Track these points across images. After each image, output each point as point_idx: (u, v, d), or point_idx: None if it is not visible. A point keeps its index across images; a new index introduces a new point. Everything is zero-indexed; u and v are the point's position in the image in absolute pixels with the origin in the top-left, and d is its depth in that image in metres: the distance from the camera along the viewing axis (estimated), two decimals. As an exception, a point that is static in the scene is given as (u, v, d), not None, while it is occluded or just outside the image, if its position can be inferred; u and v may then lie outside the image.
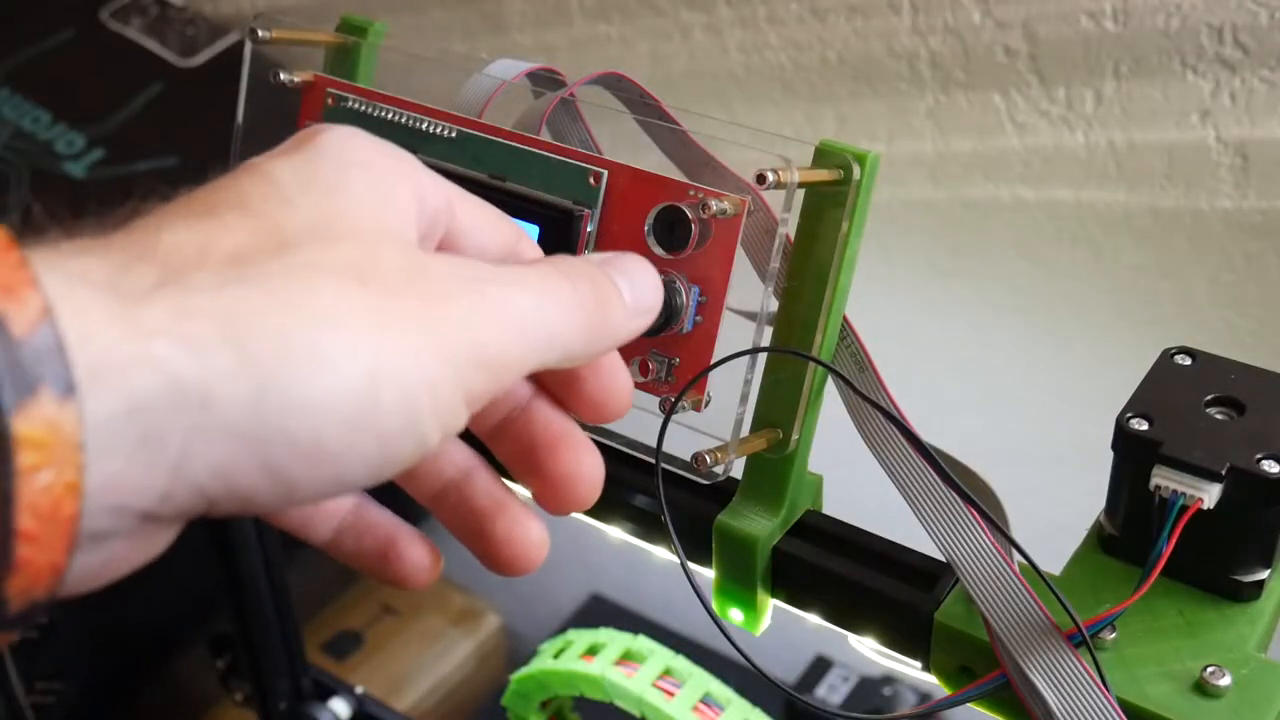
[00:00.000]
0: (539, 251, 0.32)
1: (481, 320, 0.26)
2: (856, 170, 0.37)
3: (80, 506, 0.21)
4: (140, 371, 0.22)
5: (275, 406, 0.23)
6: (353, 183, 0.27)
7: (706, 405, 0.38)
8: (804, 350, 0.39)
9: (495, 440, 0.32)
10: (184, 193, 0.26)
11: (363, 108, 0.43)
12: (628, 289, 0.30)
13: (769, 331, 0.38)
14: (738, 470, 0.40)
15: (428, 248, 0.29)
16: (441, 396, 0.25)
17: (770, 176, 0.35)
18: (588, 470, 0.31)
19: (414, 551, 0.32)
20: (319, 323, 0.24)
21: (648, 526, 0.45)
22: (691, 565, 0.39)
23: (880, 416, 0.38)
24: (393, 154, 0.28)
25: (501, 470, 0.32)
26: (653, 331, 0.36)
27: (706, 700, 0.53)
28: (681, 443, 0.37)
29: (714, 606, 0.42)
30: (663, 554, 0.46)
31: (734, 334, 0.37)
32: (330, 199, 0.26)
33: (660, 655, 0.54)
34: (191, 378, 0.22)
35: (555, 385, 0.32)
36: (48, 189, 0.91)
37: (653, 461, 0.38)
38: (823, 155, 0.37)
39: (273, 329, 0.23)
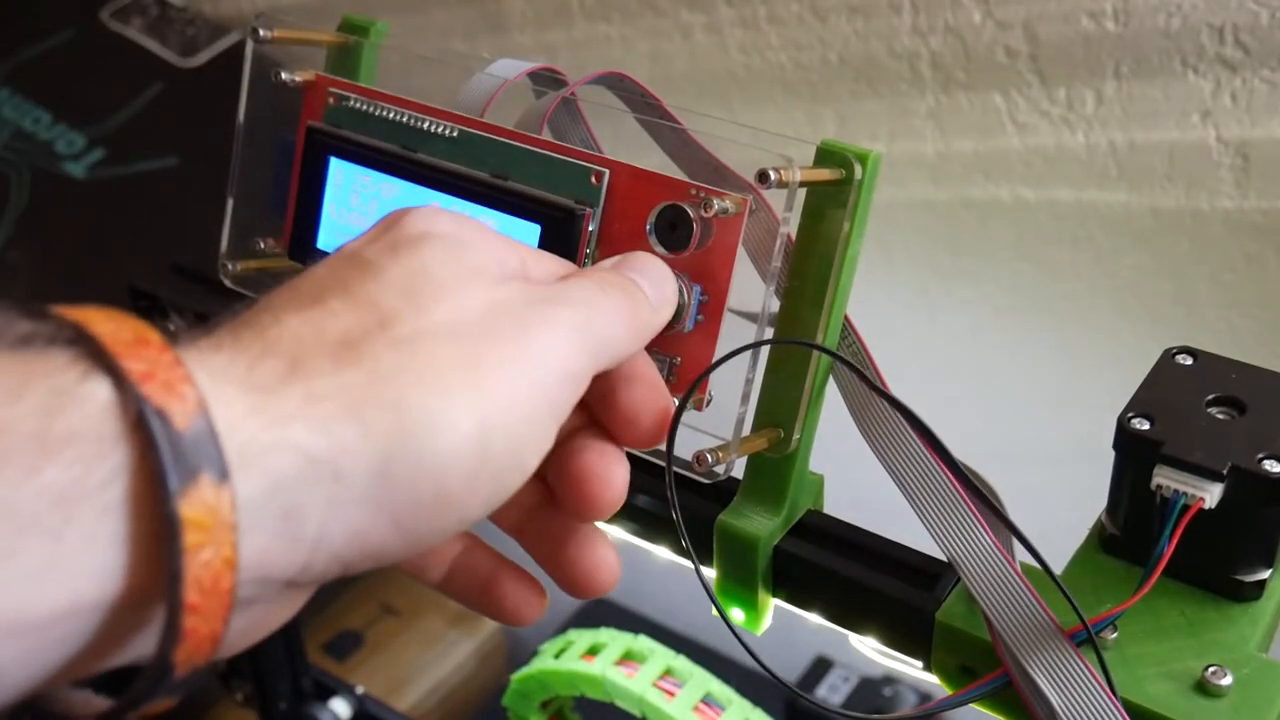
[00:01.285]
0: None
1: (559, 342, 0.29)
2: (858, 170, 0.37)
3: (236, 579, 0.24)
4: (279, 454, 0.24)
5: (400, 471, 0.26)
6: (432, 242, 0.29)
7: (708, 404, 0.38)
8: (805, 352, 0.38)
9: (547, 467, 0.33)
10: (287, 281, 0.29)
11: (364, 107, 0.43)
12: (647, 285, 0.33)
13: (770, 331, 0.38)
14: (739, 470, 0.40)
15: None
16: (538, 424, 0.28)
17: (772, 175, 0.35)
18: (618, 477, 0.33)
19: (516, 588, 0.34)
20: (428, 389, 0.26)
21: (649, 526, 0.45)
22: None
23: (883, 413, 0.38)
24: (468, 222, 0.31)
25: None
26: (654, 331, 0.36)
27: (707, 700, 0.53)
28: (683, 442, 0.37)
29: (719, 602, 0.42)
30: (663, 554, 0.46)
31: (736, 335, 0.37)
32: (413, 259, 0.29)
33: (661, 655, 0.54)
34: (323, 455, 0.25)
35: (594, 403, 0.34)
36: (48, 189, 0.91)
37: (654, 461, 0.38)
38: (824, 155, 0.37)
39: (388, 401, 0.26)
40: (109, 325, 0.24)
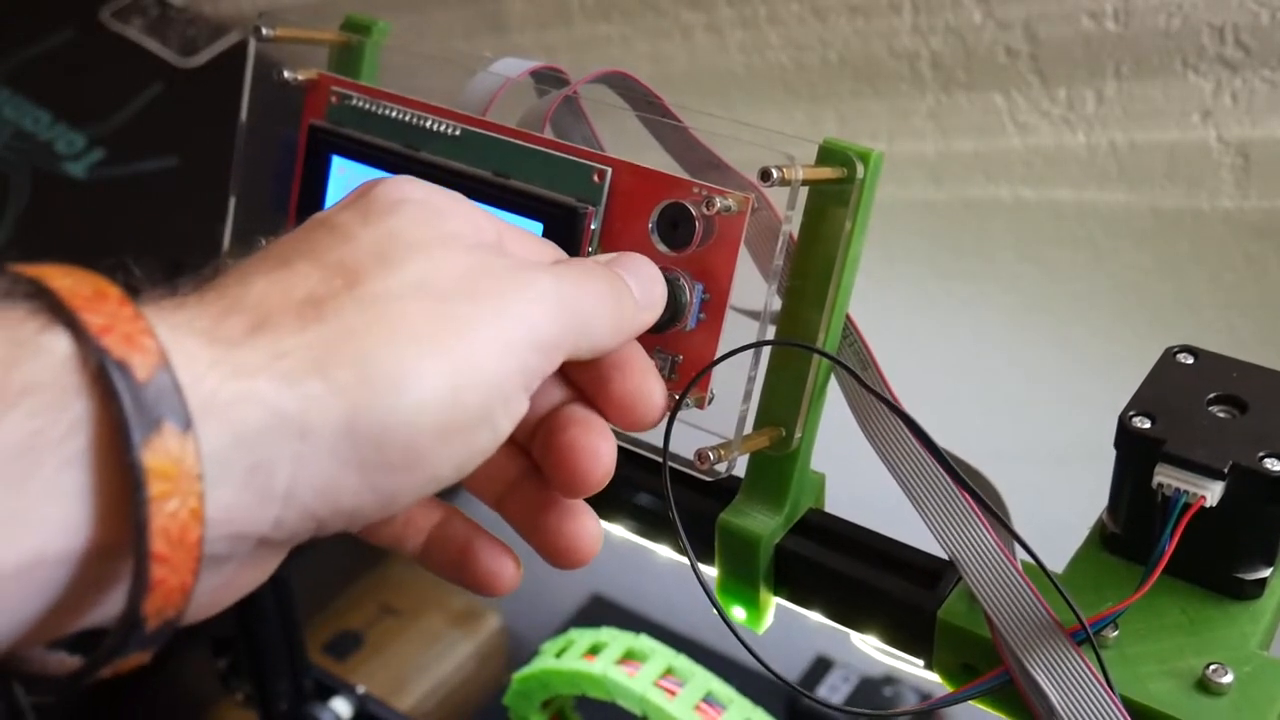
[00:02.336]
0: None
1: (535, 307, 0.29)
2: (860, 169, 0.37)
3: (203, 531, 0.23)
4: (245, 406, 0.24)
5: (368, 426, 0.25)
6: (407, 207, 0.29)
7: (710, 403, 0.38)
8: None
9: (531, 441, 0.34)
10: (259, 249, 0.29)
11: (367, 106, 0.43)
12: (635, 285, 0.33)
13: (772, 330, 0.38)
14: (740, 468, 0.40)
15: None
16: (509, 387, 0.28)
17: (775, 174, 0.35)
18: (605, 451, 0.33)
19: (490, 557, 0.34)
20: (396, 345, 0.26)
21: (649, 525, 0.45)
22: (696, 563, 0.39)
23: (884, 413, 0.38)
24: (444, 191, 0.31)
25: None
26: (657, 329, 0.36)
27: (708, 699, 0.54)
28: (684, 440, 0.38)
29: (719, 602, 0.42)
30: (664, 553, 0.46)
31: (737, 333, 0.37)
32: (387, 223, 0.28)
33: (662, 655, 0.55)
34: (290, 409, 0.25)
35: (587, 388, 0.33)
36: (48, 189, 0.91)
37: (655, 459, 0.38)
38: (826, 153, 0.37)
39: (354, 357, 0.25)
40: (67, 280, 0.24)
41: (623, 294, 0.32)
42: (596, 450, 0.32)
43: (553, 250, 0.34)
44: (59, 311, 0.23)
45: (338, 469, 0.25)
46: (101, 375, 0.23)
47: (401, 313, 0.27)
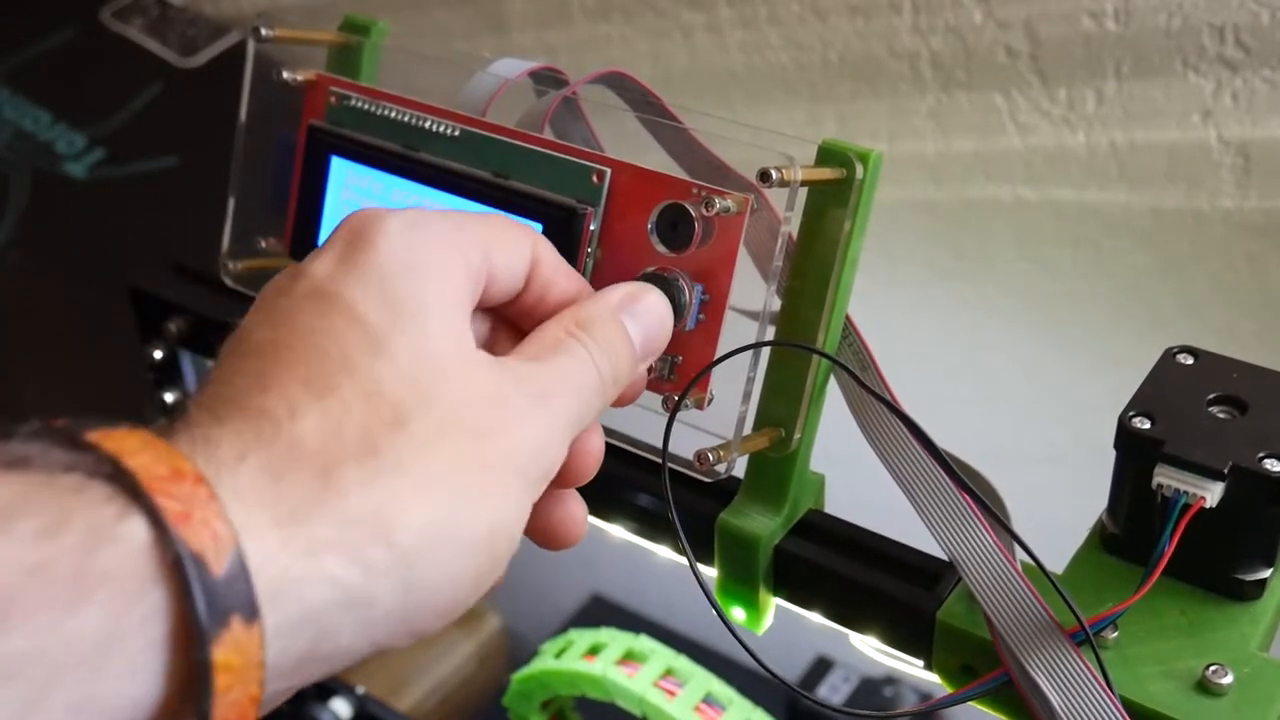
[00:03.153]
0: (551, 254, 0.34)
1: (546, 433, 0.30)
2: (859, 169, 0.37)
3: (258, 710, 0.25)
4: (313, 586, 0.25)
5: (424, 587, 0.27)
6: (426, 299, 0.30)
7: (709, 404, 0.38)
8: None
9: None
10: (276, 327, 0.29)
11: (366, 106, 0.43)
12: (639, 336, 0.34)
13: (771, 330, 0.38)
14: (740, 469, 0.40)
15: (478, 316, 0.32)
16: (526, 510, 0.30)
17: (774, 174, 0.35)
18: (595, 448, 0.34)
19: (561, 505, 0.35)
20: (449, 502, 0.27)
21: (649, 526, 0.45)
22: (695, 564, 0.39)
23: (884, 414, 0.38)
24: (437, 239, 0.31)
25: None
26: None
27: (708, 700, 0.53)
28: (684, 441, 0.37)
29: (718, 603, 0.42)
30: (664, 554, 0.46)
31: (737, 333, 0.37)
32: (413, 331, 0.29)
33: (662, 655, 0.54)
34: (356, 584, 0.26)
35: None
36: (48, 189, 0.91)
37: (655, 460, 0.38)
38: (826, 154, 0.37)
39: (416, 522, 0.27)
40: (143, 459, 0.24)
41: (620, 363, 0.33)
42: (587, 448, 0.33)
43: (530, 239, 0.33)
44: (137, 496, 0.24)
45: (391, 626, 0.27)
46: (177, 568, 0.23)
47: (450, 459, 0.28)
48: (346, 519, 0.26)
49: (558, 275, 0.34)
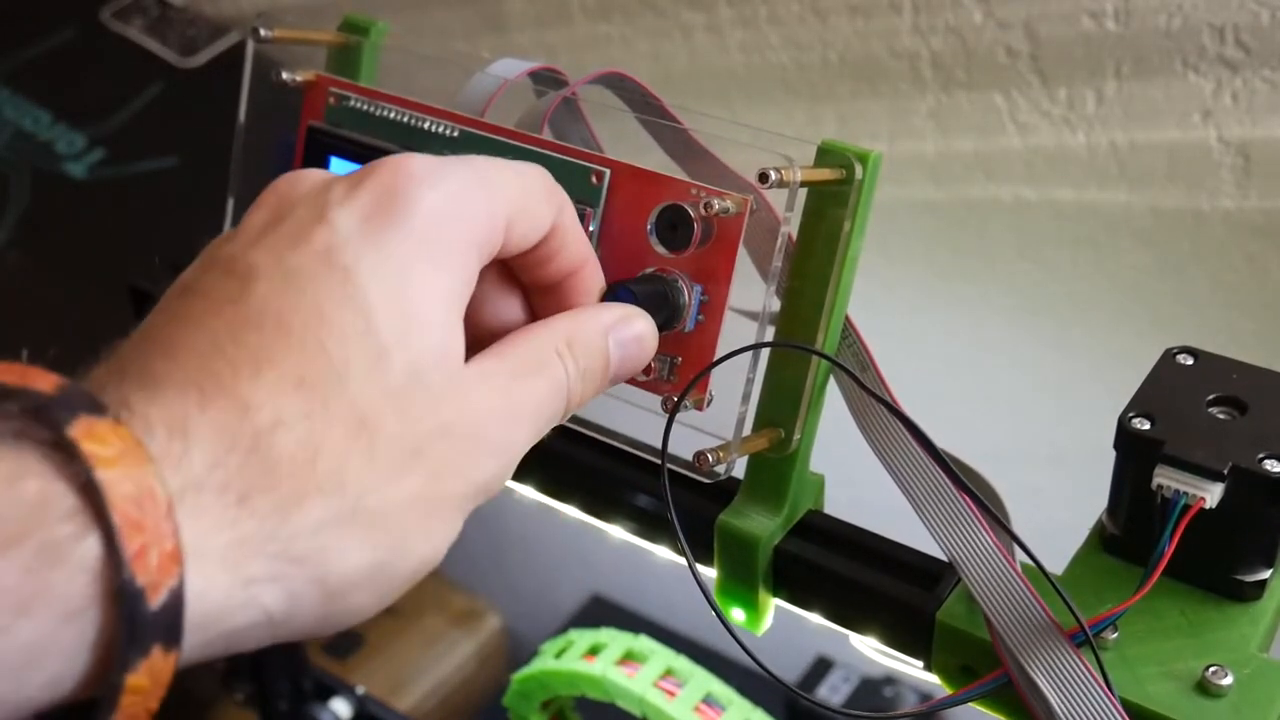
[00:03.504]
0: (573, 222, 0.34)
1: (504, 466, 0.30)
2: (859, 169, 0.37)
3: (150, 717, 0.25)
4: (243, 612, 0.26)
5: (337, 620, 0.28)
6: (437, 306, 0.29)
7: (709, 404, 0.38)
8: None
9: None
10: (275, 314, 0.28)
11: (365, 107, 0.43)
12: (617, 360, 0.34)
13: (771, 331, 0.38)
14: (739, 470, 0.40)
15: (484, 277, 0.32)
16: (452, 540, 0.30)
17: (773, 175, 0.35)
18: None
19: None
20: (393, 544, 0.28)
21: (649, 526, 0.45)
22: (695, 565, 0.39)
23: (883, 415, 0.38)
24: (469, 218, 0.30)
25: None
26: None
27: (708, 700, 0.53)
28: (683, 442, 0.37)
29: (717, 605, 0.42)
30: (664, 554, 0.46)
31: (736, 334, 0.37)
32: (415, 348, 0.28)
33: (662, 655, 0.54)
34: (280, 614, 0.27)
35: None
36: (48, 189, 0.91)
37: (654, 460, 0.38)
38: (825, 154, 0.37)
39: (355, 567, 0.27)
40: (116, 472, 0.24)
41: (595, 382, 0.33)
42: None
43: (554, 210, 0.33)
44: (100, 518, 0.24)
45: (298, 636, 0.28)
46: (119, 598, 0.24)
47: (402, 504, 0.28)
48: (290, 558, 0.26)
49: (569, 244, 0.34)
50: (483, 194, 0.31)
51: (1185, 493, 0.36)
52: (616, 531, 0.46)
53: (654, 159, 0.39)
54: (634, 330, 0.35)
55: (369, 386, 0.28)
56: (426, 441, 0.28)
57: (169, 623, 0.24)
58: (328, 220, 0.29)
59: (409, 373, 0.28)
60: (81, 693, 0.25)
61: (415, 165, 0.30)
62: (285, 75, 0.44)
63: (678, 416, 0.37)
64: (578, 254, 0.34)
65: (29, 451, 0.24)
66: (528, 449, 0.31)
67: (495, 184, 0.31)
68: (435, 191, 0.29)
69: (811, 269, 0.38)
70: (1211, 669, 0.35)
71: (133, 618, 0.24)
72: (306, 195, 0.30)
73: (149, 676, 0.24)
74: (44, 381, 0.25)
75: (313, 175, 0.31)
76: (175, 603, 0.24)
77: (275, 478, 0.26)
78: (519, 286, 0.35)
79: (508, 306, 0.35)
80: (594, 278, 0.35)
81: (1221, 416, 0.38)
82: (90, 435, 0.24)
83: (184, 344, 0.27)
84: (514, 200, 0.31)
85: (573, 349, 0.32)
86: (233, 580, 0.25)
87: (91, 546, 0.24)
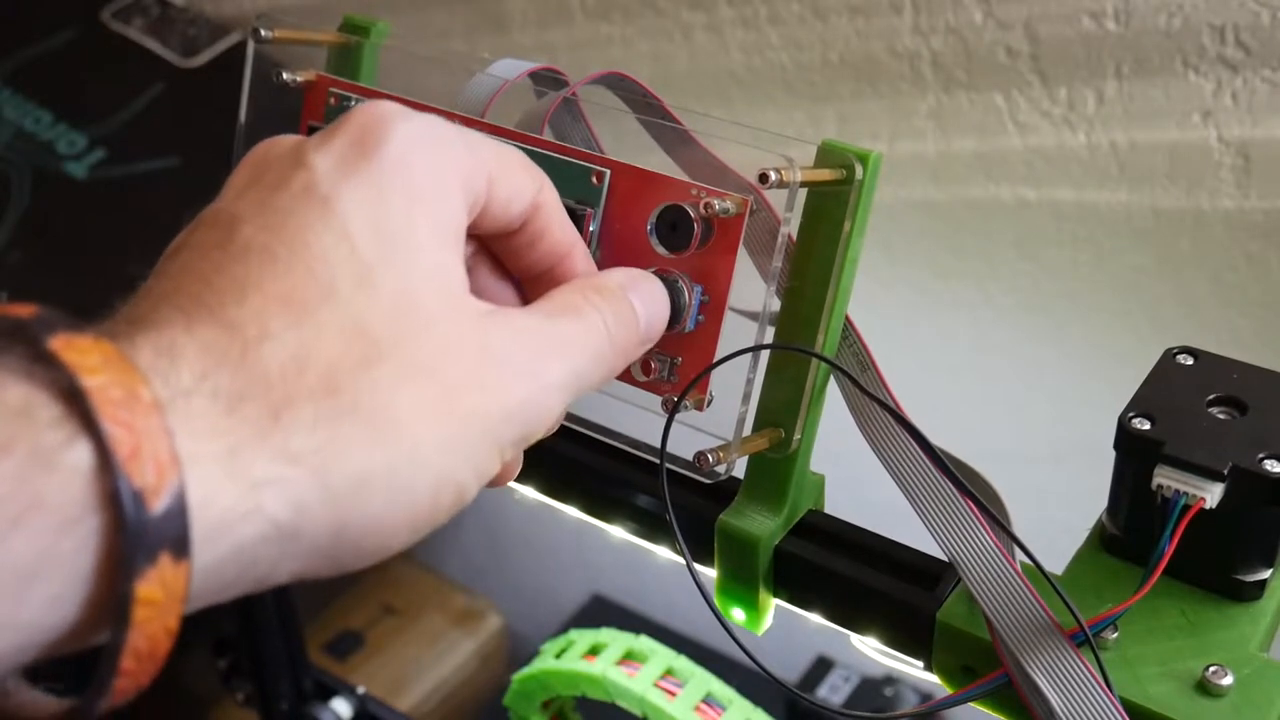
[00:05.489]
0: (553, 197, 0.34)
1: (530, 394, 0.30)
2: (859, 170, 0.37)
3: (172, 643, 0.25)
4: (248, 523, 0.25)
5: (354, 531, 0.27)
6: (421, 230, 0.29)
7: (709, 405, 0.38)
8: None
9: None
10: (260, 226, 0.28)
11: (365, 107, 0.43)
12: (644, 316, 0.34)
13: (771, 331, 0.38)
14: (740, 470, 0.40)
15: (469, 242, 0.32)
16: (487, 473, 0.29)
17: (773, 176, 0.35)
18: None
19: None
20: (398, 452, 0.27)
21: (649, 526, 0.45)
22: (695, 565, 0.39)
23: (883, 415, 0.38)
24: (446, 158, 0.30)
25: None
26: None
27: (708, 700, 0.54)
28: (684, 442, 0.37)
29: (717, 606, 0.42)
30: (664, 554, 0.46)
31: (737, 334, 0.37)
32: (402, 265, 0.28)
33: (662, 655, 0.55)
34: (287, 523, 0.26)
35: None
36: (49, 189, 0.91)
37: (655, 461, 0.38)
38: (825, 155, 0.37)
39: (356, 468, 0.26)
40: (101, 379, 0.24)
41: (629, 335, 0.33)
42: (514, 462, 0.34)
43: (537, 183, 0.33)
44: (88, 422, 0.23)
45: (315, 560, 0.27)
46: (116, 500, 0.23)
47: (411, 410, 0.27)
48: (287, 457, 0.26)
49: (554, 224, 0.34)
50: (460, 138, 0.31)
51: (1185, 493, 0.36)
52: (617, 531, 0.47)
53: (654, 159, 0.39)
54: (647, 287, 0.35)
55: (357, 302, 0.27)
56: (425, 355, 0.28)
57: (175, 528, 0.24)
58: (306, 163, 0.29)
59: (399, 290, 0.28)
60: (89, 615, 0.24)
61: (388, 105, 0.30)
62: (286, 75, 0.44)
63: (678, 416, 0.37)
64: (564, 237, 0.34)
65: (8, 365, 0.24)
66: (568, 388, 0.31)
67: (473, 138, 0.31)
68: (409, 124, 0.30)
69: (811, 269, 0.38)
70: (1211, 669, 0.35)
71: (133, 522, 0.23)
72: (285, 151, 0.30)
73: (161, 587, 0.23)
74: (21, 310, 0.25)
75: (290, 137, 0.31)
76: (178, 506, 0.24)
77: (266, 385, 0.26)
78: (512, 281, 0.35)
79: (504, 299, 0.35)
80: (584, 262, 0.35)
81: (1221, 416, 0.38)
82: (71, 347, 0.24)
83: (171, 288, 0.27)
84: (492, 159, 0.31)
85: (601, 295, 0.33)
86: (233, 486, 0.25)
87: (82, 451, 0.23)
